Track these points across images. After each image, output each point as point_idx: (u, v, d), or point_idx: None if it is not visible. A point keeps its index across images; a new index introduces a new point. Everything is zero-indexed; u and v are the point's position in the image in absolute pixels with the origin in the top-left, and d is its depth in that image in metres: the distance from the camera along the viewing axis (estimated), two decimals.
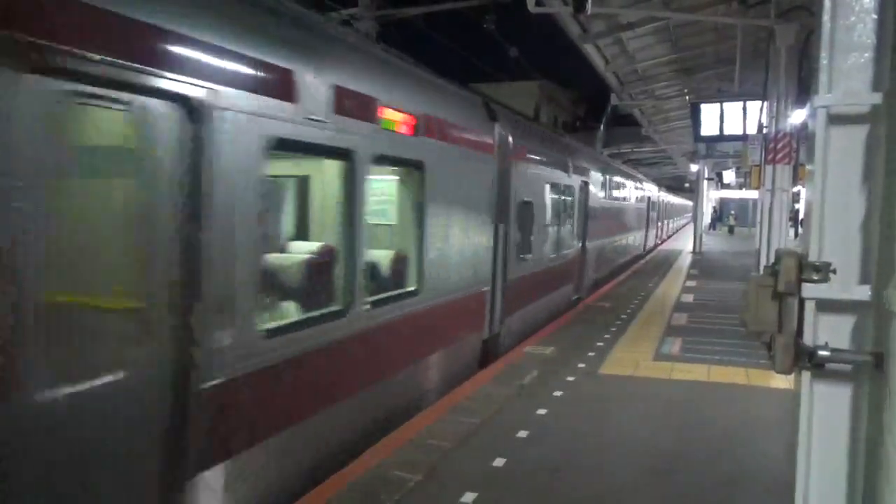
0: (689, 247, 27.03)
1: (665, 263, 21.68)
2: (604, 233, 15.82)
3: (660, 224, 31.47)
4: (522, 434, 5.42)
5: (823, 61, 1.85)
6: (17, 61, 2.49)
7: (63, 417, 2.74)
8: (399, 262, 6.05)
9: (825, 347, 1.83)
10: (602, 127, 28.34)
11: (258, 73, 3.78)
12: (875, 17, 1.80)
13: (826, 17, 1.84)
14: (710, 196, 41.88)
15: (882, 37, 1.80)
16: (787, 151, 10.81)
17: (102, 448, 2.96)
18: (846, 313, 1.88)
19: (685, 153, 31.36)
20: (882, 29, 1.80)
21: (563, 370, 7.41)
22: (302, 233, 6.38)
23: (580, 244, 13.37)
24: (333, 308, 4.83)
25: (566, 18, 11.26)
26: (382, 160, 5.25)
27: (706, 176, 30.94)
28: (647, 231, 25.61)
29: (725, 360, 7.93)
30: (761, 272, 1.97)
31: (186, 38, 3.28)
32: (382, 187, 6.14)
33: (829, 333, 1.87)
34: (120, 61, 2.87)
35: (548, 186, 10.44)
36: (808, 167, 2.02)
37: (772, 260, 1.94)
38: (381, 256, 5.95)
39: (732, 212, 45.87)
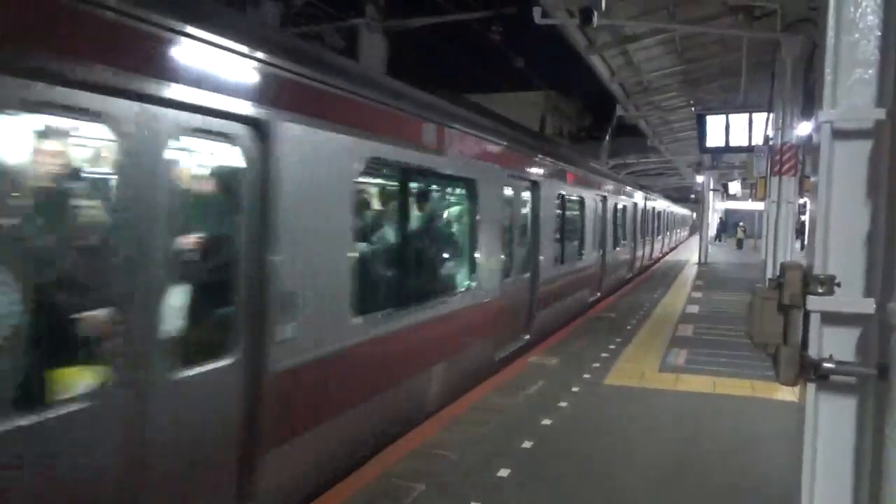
0: (695, 258, 27.00)
1: (670, 274, 21.65)
2: None
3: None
4: (527, 444, 5.42)
5: (828, 77, 1.87)
6: None
7: None
8: None
9: (830, 360, 1.85)
10: (607, 138, 28.37)
11: None
12: (878, 33, 1.83)
13: (830, 34, 1.86)
14: (717, 207, 41.48)
15: (885, 53, 1.82)
16: (792, 163, 10.82)
17: None
18: (851, 326, 1.89)
19: (691, 164, 31.34)
20: (885, 45, 1.82)
21: (567, 381, 7.41)
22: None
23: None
24: None
25: (572, 30, 11.32)
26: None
27: (712, 187, 30.94)
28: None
29: (731, 372, 7.91)
30: (766, 284, 1.99)
31: None
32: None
33: (834, 346, 1.89)
34: None
35: None
36: (812, 180, 2.04)
37: (777, 271, 1.96)
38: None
39: (741, 223, 42.16)
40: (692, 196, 47.55)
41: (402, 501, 4.34)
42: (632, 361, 8.52)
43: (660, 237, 29.18)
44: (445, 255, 7.19)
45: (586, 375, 7.70)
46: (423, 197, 6.83)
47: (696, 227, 43.06)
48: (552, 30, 11.07)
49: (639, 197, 21.26)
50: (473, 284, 7.15)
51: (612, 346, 9.39)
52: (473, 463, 5.01)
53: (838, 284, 1.84)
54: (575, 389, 7.10)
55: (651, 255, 25.47)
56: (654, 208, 25.90)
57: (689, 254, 30.81)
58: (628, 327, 11.07)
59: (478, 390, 7.00)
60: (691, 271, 22.78)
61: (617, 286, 16.74)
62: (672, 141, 26.14)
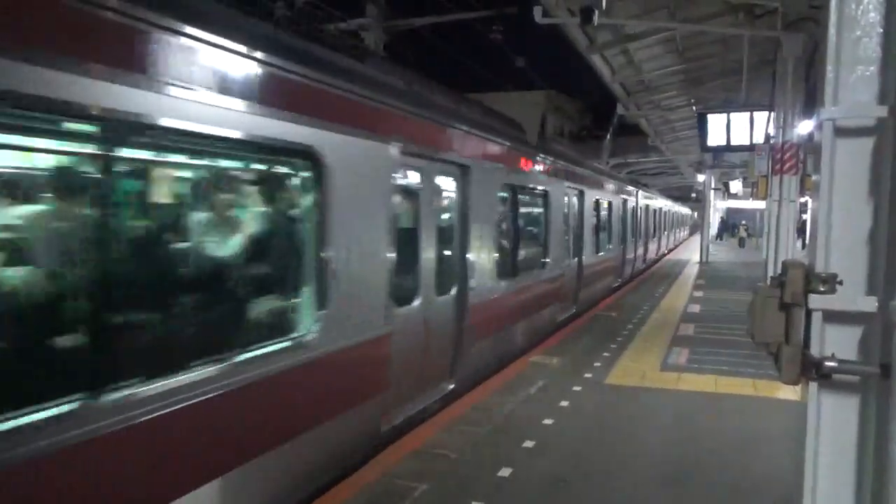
0: (696, 257, 26.99)
1: (672, 273, 21.63)
2: None
3: None
4: (529, 444, 5.41)
5: (830, 74, 1.86)
6: None
7: None
8: None
9: (832, 358, 1.84)
10: (608, 137, 28.37)
11: None
12: (881, 30, 1.82)
13: (832, 31, 1.86)
14: (718, 206, 41.40)
15: (888, 50, 1.81)
16: (793, 162, 10.81)
17: None
18: (853, 324, 1.88)
19: (692, 163, 31.34)
20: (888, 42, 1.81)
21: (569, 380, 7.40)
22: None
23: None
24: None
25: (573, 29, 11.30)
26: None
27: (713, 186, 30.93)
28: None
29: (732, 371, 7.90)
30: (768, 283, 1.98)
31: None
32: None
33: (836, 344, 1.88)
34: None
35: None
36: (814, 178, 2.03)
37: (779, 270, 1.95)
38: None
39: (743, 222, 41.82)
40: (693, 195, 47.54)
41: (402, 501, 4.34)
42: (633, 361, 8.51)
43: (655, 238, 26.48)
44: (228, 283, 4.11)
45: (587, 375, 7.69)
46: (164, 175, 3.91)
47: (697, 226, 42.92)
48: (553, 29, 11.06)
49: (629, 193, 18.96)
50: (315, 326, 4.43)
51: (613, 346, 9.38)
52: (474, 463, 5.01)
53: (840, 283, 1.83)
54: (576, 389, 7.09)
55: (645, 258, 22.94)
56: (647, 206, 23.22)
57: (690, 253, 30.78)
58: (630, 326, 11.06)
59: (478, 390, 6.99)
60: (693, 270, 22.76)
61: (601, 297, 14.72)
62: (673, 140, 26.13)
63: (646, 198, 23.23)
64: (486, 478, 4.74)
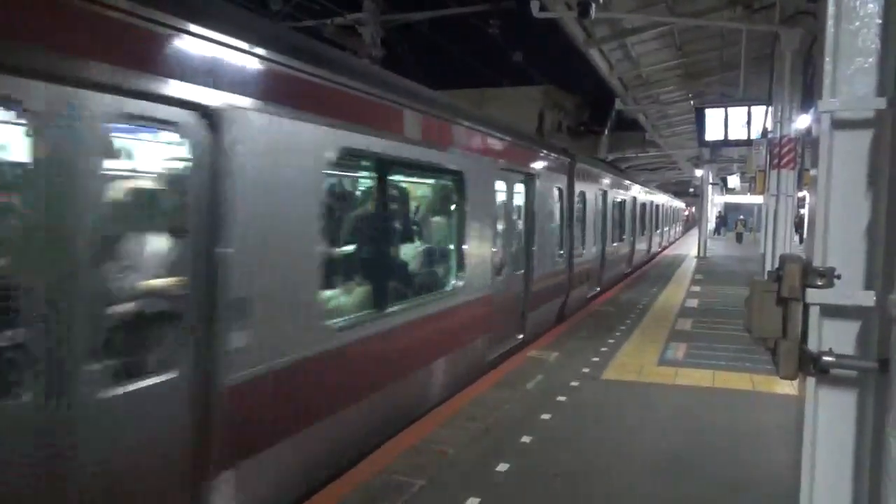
0: (693, 252, 27.01)
1: (669, 268, 21.64)
2: None
3: None
4: (526, 439, 5.41)
5: (827, 66, 1.84)
6: None
7: None
8: None
9: (830, 353, 1.82)
10: (606, 132, 28.35)
11: None
12: (879, 21, 1.80)
13: (830, 22, 1.84)
14: (716, 201, 41.40)
15: (886, 42, 1.79)
16: (791, 156, 10.80)
17: None
18: (851, 319, 1.87)
19: (690, 158, 31.33)
20: (886, 34, 1.79)
21: (566, 375, 7.40)
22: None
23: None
24: None
25: (570, 23, 11.28)
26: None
27: (711, 181, 30.92)
28: None
29: (730, 366, 7.90)
30: (766, 277, 1.96)
31: None
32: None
33: (834, 339, 1.86)
34: None
35: None
36: (812, 172, 2.02)
37: (776, 265, 1.94)
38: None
39: (741, 217, 41.70)
40: (692, 190, 47.52)
41: (401, 497, 4.33)
42: (631, 356, 8.51)
43: (627, 243, 18.88)
44: None
45: (585, 370, 7.69)
46: None
47: (692, 221, 42.65)
48: (551, 24, 11.03)
49: (551, 166, 10.48)
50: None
51: (611, 341, 9.37)
52: (472, 458, 5.00)
53: (838, 277, 1.81)
54: (574, 384, 7.08)
55: (600, 278, 14.90)
56: (604, 194, 15.01)
57: (687, 249, 30.78)
58: (627, 321, 11.06)
59: (476, 386, 6.99)
60: (690, 265, 22.77)
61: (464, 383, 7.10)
62: (671, 135, 26.12)
63: (598, 181, 14.47)
64: (483, 473, 4.74)
